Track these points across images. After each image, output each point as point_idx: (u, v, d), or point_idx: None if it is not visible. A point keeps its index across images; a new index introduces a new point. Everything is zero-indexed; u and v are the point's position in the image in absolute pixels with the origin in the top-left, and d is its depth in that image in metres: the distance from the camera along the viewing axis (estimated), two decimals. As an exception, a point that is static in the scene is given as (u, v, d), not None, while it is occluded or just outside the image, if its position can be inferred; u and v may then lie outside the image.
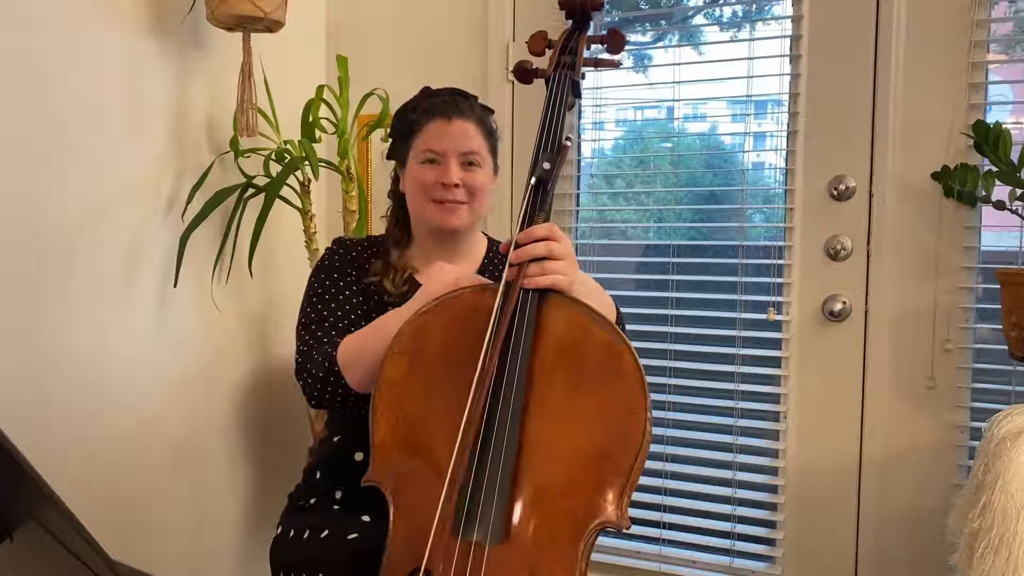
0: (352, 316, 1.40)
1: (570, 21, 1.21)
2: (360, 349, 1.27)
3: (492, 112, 1.49)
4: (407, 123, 1.45)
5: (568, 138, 1.13)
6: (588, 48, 1.17)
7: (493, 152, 1.47)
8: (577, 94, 1.18)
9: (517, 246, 1.07)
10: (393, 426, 1.07)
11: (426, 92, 1.48)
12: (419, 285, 1.41)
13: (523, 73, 1.20)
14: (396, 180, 1.52)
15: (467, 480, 1.01)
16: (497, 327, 1.02)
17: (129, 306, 1.78)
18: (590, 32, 1.21)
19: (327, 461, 1.45)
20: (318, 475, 1.45)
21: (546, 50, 1.18)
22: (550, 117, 1.14)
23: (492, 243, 1.56)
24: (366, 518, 1.33)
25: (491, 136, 1.46)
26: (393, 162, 1.52)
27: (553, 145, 1.11)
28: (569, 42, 1.16)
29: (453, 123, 1.40)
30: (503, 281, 1.05)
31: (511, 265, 1.07)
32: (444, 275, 1.20)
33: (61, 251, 1.63)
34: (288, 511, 1.47)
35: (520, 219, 1.09)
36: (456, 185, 1.38)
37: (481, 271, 1.48)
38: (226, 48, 1.93)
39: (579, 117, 2.18)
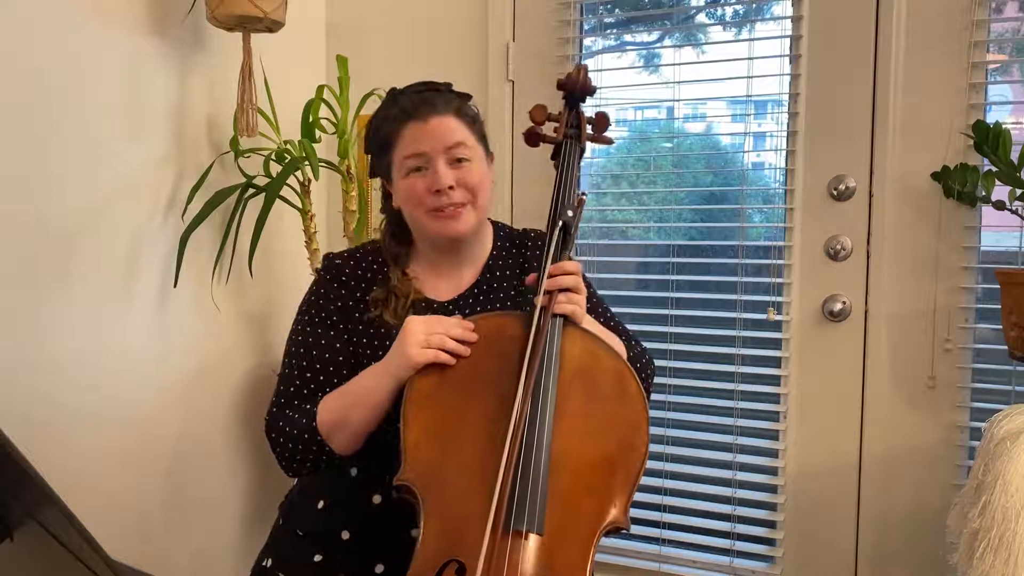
0: (332, 367, 1.31)
1: (565, 100, 1.38)
2: (342, 416, 1.23)
3: (470, 97, 1.36)
4: (381, 136, 1.32)
5: (584, 193, 1.31)
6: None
7: (482, 139, 1.35)
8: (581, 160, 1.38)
9: (550, 276, 1.21)
10: (425, 430, 1.15)
11: (392, 96, 1.35)
12: (422, 308, 1.33)
13: (534, 137, 1.36)
14: (387, 196, 1.39)
15: (512, 476, 1.08)
16: (534, 347, 1.15)
17: (129, 306, 1.78)
18: (582, 111, 1.39)
19: (334, 496, 1.34)
20: (320, 504, 1.34)
21: (546, 121, 1.35)
22: (566, 177, 1.30)
23: (498, 229, 1.45)
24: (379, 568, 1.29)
25: (475, 123, 1.34)
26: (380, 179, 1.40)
27: (572, 198, 1.28)
28: (570, 118, 1.36)
29: (429, 122, 1.27)
30: (538, 307, 1.18)
31: (546, 292, 1.20)
32: (412, 336, 1.19)
33: (61, 251, 1.63)
34: (278, 536, 1.40)
35: (549, 255, 1.23)
36: (451, 187, 1.27)
37: (488, 268, 1.40)
38: (226, 48, 1.93)
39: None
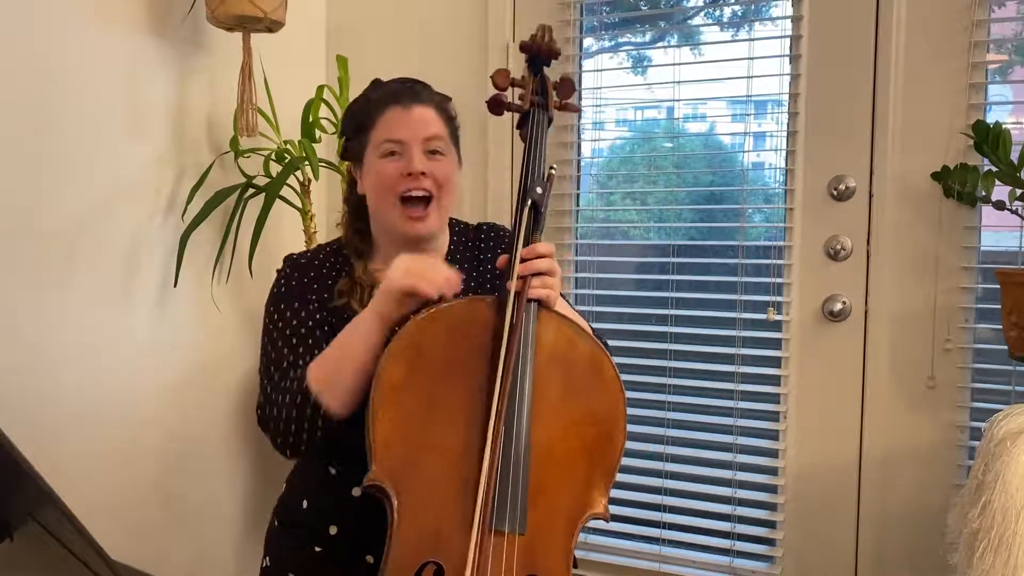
0: (315, 352, 1.27)
1: (528, 64, 1.30)
2: (333, 369, 1.19)
3: (450, 99, 1.38)
4: (361, 116, 1.34)
5: (553, 167, 1.23)
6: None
7: (455, 141, 1.36)
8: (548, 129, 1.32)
9: (522, 260, 1.16)
10: (396, 425, 1.10)
11: (375, 84, 1.38)
12: None
13: (499, 105, 1.26)
14: (352, 183, 1.39)
15: (495, 476, 1.06)
16: (509, 335, 1.10)
17: (129, 306, 1.78)
18: (548, 76, 1.32)
19: (316, 494, 1.34)
20: (304, 504, 1.34)
21: (510, 87, 1.26)
22: (534, 150, 1.23)
23: (453, 224, 1.45)
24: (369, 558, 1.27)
25: (452, 122, 1.36)
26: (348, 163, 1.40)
27: (541, 173, 1.21)
28: (535, 84, 1.27)
29: (412, 110, 1.30)
30: (512, 292, 1.13)
31: (519, 277, 1.15)
32: (395, 269, 1.17)
33: (61, 251, 1.63)
34: (275, 536, 1.39)
35: (519, 237, 1.18)
36: (422, 174, 1.28)
37: (447, 263, 1.37)
38: (226, 48, 1.93)
39: (579, 118, 2.17)
